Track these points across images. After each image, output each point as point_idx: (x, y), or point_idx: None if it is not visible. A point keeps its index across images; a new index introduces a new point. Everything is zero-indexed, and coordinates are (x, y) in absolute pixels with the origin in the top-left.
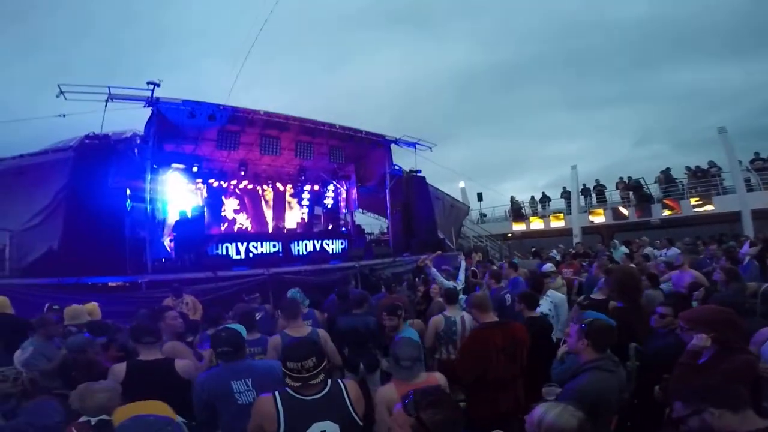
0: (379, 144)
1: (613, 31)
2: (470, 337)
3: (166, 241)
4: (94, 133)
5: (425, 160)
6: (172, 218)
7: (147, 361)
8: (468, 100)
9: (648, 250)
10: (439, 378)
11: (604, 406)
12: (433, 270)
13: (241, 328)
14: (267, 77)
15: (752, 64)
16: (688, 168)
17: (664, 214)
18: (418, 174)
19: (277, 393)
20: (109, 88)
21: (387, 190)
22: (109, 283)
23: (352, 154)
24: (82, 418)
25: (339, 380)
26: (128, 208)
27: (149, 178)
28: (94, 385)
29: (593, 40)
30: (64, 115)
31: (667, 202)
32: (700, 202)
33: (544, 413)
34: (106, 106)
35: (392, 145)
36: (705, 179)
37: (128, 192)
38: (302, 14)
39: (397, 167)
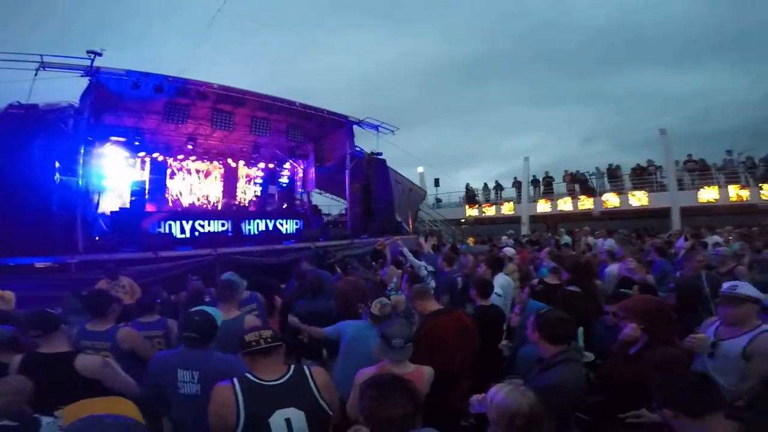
0: (341, 124)
1: (572, 33)
2: (424, 326)
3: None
4: (19, 102)
5: (386, 143)
6: (108, 193)
7: (45, 354)
8: (431, 91)
9: (589, 239)
10: (428, 372)
11: (577, 398)
12: (406, 250)
13: (217, 313)
14: (228, 56)
15: (692, 72)
16: (609, 166)
17: (604, 207)
18: (379, 156)
19: (235, 379)
20: (41, 56)
21: (347, 171)
22: (35, 264)
23: (311, 132)
24: None
25: (304, 366)
26: (57, 182)
27: (83, 150)
28: None
29: (553, 41)
30: None
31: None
32: (641, 198)
33: (495, 392)
34: (36, 74)
35: (354, 127)
36: (642, 177)
37: (57, 165)
38: None
39: (358, 149)
